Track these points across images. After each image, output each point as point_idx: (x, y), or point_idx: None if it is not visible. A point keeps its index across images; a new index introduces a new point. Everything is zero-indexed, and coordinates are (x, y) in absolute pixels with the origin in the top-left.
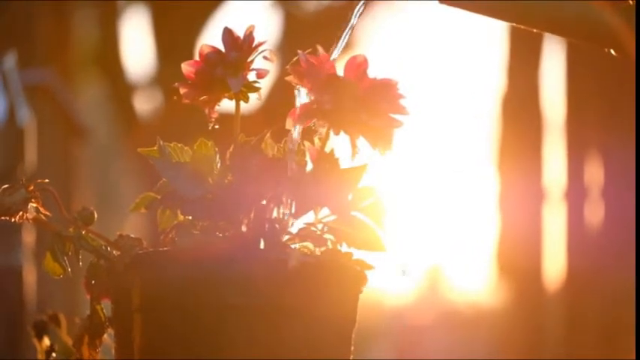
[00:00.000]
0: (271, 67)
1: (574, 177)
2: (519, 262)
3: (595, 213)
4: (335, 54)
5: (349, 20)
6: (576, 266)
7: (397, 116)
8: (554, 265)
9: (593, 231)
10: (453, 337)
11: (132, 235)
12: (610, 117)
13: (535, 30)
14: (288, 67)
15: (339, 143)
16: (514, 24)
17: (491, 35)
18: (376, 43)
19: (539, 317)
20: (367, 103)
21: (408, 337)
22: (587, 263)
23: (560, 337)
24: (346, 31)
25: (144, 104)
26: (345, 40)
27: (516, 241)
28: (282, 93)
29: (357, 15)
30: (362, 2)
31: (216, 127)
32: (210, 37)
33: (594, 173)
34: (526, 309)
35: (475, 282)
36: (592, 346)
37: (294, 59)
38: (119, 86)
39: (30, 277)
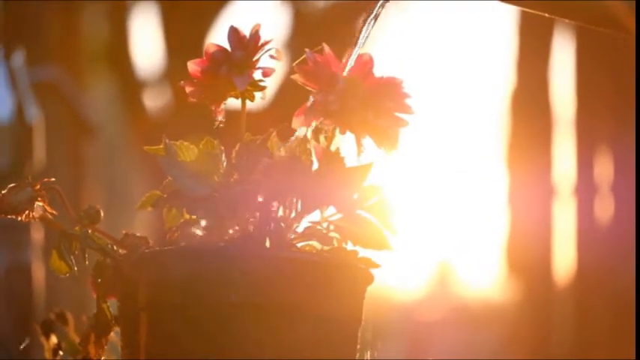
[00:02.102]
0: (278, 66)
1: (584, 173)
2: (529, 258)
3: (605, 209)
4: (353, 58)
5: (366, 21)
6: (586, 262)
7: (403, 115)
8: (564, 261)
9: (603, 227)
10: (462, 334)
11: (138, 234)
12: (620, 112)
13: (549, 15)
14: (294, 65)
15: (344, 142)
16: (524, 7)
17: (501, 30)
18: (381, 39)
19: (549, 314)
20: (373, 102)
21: (418, 334)
22: (596, 260)
23: (570, 334)
24: (364, 32)
25: (152, 102)
26: (364, 42)
27: (526, 238)
28: (289, 92)
29: (375, 16)
30: (380, 2)
31: (221, 125)
32: (220, 35)
33: (604, 169)
34: (536, 305)
35: (485, 278)
36: (601, 343)
37: (301, 58)
38: (128, 84)
39: (38, 275)
